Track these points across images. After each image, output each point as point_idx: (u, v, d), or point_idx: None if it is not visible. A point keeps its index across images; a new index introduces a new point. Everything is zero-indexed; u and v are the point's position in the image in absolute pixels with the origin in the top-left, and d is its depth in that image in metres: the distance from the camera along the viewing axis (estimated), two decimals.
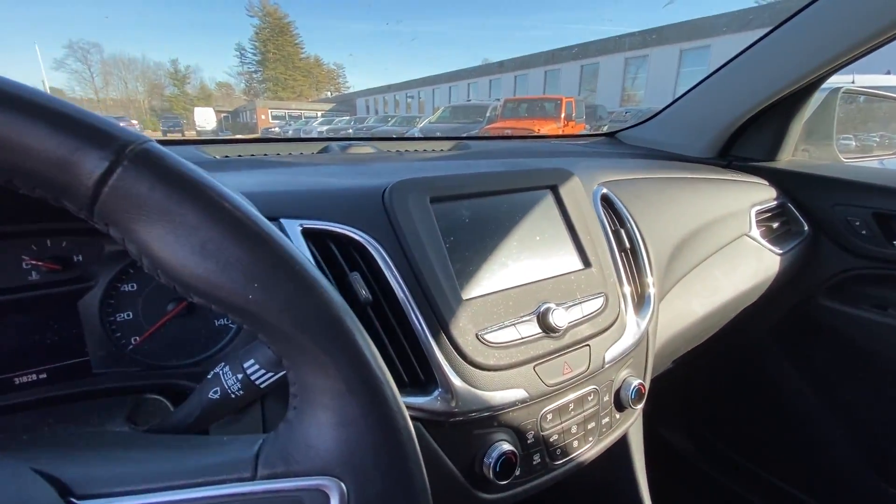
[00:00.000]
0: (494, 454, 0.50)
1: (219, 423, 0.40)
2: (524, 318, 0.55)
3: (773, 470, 1.26)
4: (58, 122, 0.19)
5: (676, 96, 1.34)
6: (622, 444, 0.73)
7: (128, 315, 0.50)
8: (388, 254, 0.51)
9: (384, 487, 0.24)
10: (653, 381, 1.03)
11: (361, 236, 0.51)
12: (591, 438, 0.60)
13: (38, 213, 0.46)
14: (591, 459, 0.61)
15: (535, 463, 0.55)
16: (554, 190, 0.67)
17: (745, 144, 1.25)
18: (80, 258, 0.48)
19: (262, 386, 0.36)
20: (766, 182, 1.15)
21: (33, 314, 0.46)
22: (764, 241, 1.04)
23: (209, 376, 0.37)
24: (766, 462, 1.28)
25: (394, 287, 0.50)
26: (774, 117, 1.19)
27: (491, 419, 0.51)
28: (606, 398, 0.62)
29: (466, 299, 0.53)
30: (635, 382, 0.63)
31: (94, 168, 0.20)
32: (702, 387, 1.38)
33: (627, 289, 0.68)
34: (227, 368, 0.36)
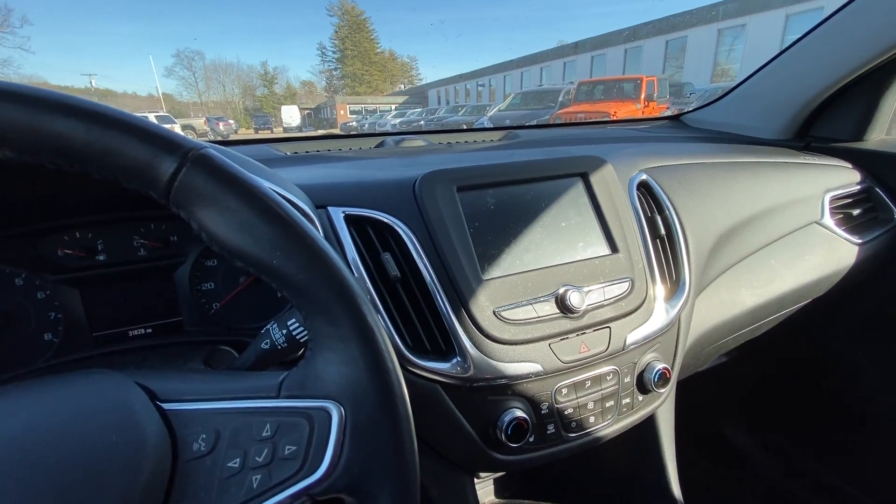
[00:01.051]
0: (507, 419, 0.55)
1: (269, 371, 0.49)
2: (542, 299, 0.59)
3: (843, 476, 1.16)
4: (144, 136, 0.28)
5: (749, 73, 1.25)
6: (650, 430, 0.73)
7: (210, 285, 0.62)
8: (416, 237, 0.58)
9: (372, 413, 0.30)
10: (709, 376, 1.00)
11: (393, 221, 0.58)
12: (609, 416, 0.63)
13: (144, 204, 0.59)
14: (610, 437, 0.63)
15: (549, 432, 0.59)
16: (584, 177, 0.69)
17: (828, 123, 1.14)
18: (175, 238, 0.61)
19: (300, 340, 0.44)
20: (849, 165, 1.05)
21: (142, 282, 0.60)
22: (839, 230, 0.96)
23: (262, 331, 0.46)
24: (835, 468, 1.18)
25: (419, 266, 0.57)
26: (863, 92, 1.07)
27: (505, 387, 0.56)
28: (628, 379, 0.64)
29: (486, 279, 0.58)
30: (659, 366, 0.64)
31: (168, 168, 0.28)
32: (768, 386, 1.29)
33: (658, 275, 0.68)
34: (275, 325, 0.45)
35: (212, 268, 0.62)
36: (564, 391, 0.59)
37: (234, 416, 0.30)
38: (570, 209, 0.67)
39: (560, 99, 11.42)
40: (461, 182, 0.62)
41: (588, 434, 0.61)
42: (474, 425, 0.56)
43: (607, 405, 0.62)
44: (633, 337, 0.63)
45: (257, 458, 0.29)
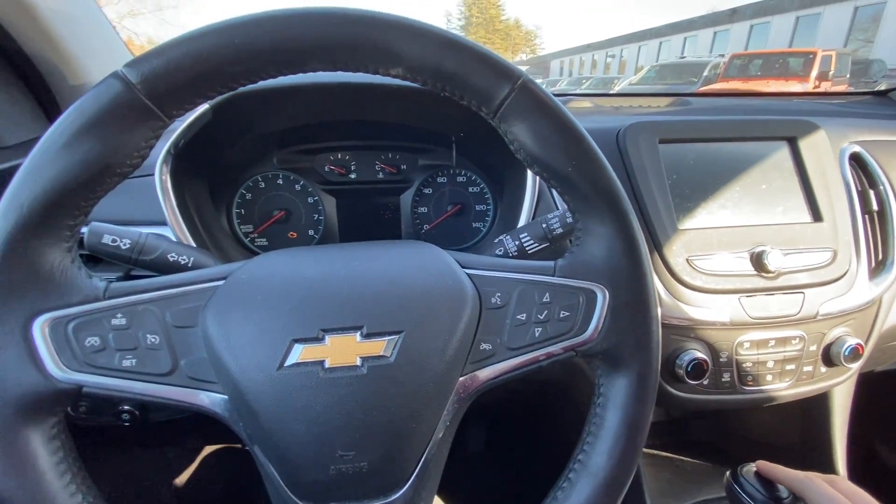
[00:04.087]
0: (686, 358, 0.59)
1: None
2: (737, 254, 0.61)
3: None
4: (492, 65, 0.36)
5: None
6: (822, 404, 0.72)
7: (424, 209, 0.75)
8: None
9: (630, 296, 0.37)
10: (888, 382, 0.91)
11: None
12: (787, 379, 0.63)
13: (385, 135, 0.72)
14: (784, 400, 0.64)
15: (724, 380, 0.62)
16: (791, 142, 0.67)
17: None
18: (405, 167, 0.73)
19: (529, 252, 0.53)
20: None
21: (377, 200, 0.74)
22: None
23: (495, 241, 0.56)
24: None
25: None
26: None
27: (688, 329, 0.60)
28: (813, 348, 0.63)
29: (681, 229, 0.61)
30: (852, 342, 0.62)
31: (501, 92, 0.37)
32: None
33: (865, 251, 0.65)
34: (507, 238, 0.54)
35: (428, 195, 0.74)
36: (746, 345, 0.61)
37: (519, 284, 0.39)
38: (773, 172, 0.66)
39: (705, 74, 10.15)
40: (664, 135, 0.65)
41: (762, 391, 0.63)
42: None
43: (787, 368, 0.63)
44: (827, 307, 0.62)
45: (539, 316, 0.38)
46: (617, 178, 0.38)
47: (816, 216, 0.64)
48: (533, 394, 0.92)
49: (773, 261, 0.60)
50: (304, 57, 0.32)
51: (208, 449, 1.02)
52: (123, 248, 0.45)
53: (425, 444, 0.36)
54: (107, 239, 0.45)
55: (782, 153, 0.67)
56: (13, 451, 0.31)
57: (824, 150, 0.67)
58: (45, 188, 0.30)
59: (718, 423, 0.90)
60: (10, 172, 0.60)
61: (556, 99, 0.38)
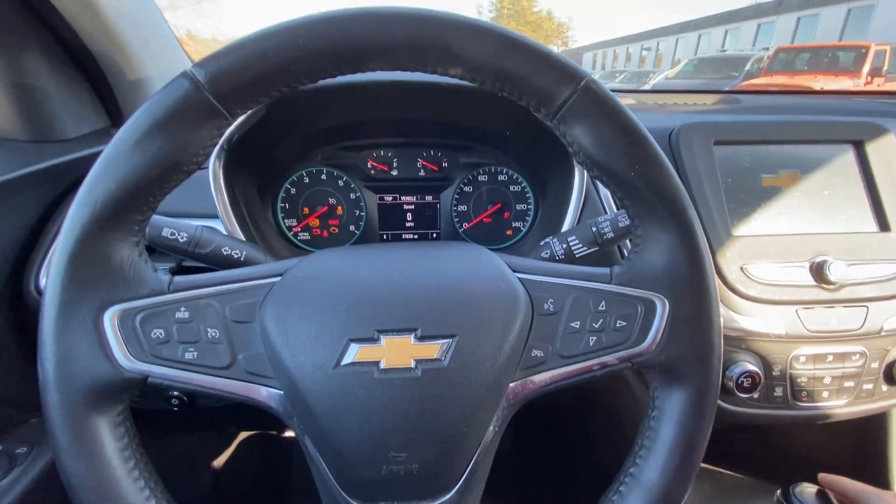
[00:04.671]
0: (737, 370, 0.57)
1: None
2: (795, 264, 0.58)
3: None
4: (554, 66, 0.35)
5: None
6: (880, 424, 0.68)
7: (464, 208, 0.74)
8: None
9: (692, 307, 0.36)
10: None
11: None
12: (845, 397, 0.60)
13: (427, 132, 0.72)
14: (840, 418, 0.61)
15: (776, 395, 0.59)
16: (858, 145, 0.64)
17: None
18: (446, 164, 0.73)
19: (577, 256, 0.52)
20: None
21: (417, 197, 0.74)
22: None
23: (542, 243, 0.55)
24: None
25: None
26: None
27: (740, 340, 0.58)
28: (875, 365, 0.60)
29: (736, 235, 0.59)
30: None
31: (563, 93, 0.35)
32: None
33: None
34: (555, 240, 0.53)
35: (468, 193, 0.74)
36: (802, 359, 0.58)
37: (573, 290, 0.38)
38: (837, 178, 0.62)
39: (746, 68, 9.72)
40: (719, 136, 0.62)
41: (817, 408, 0.60)
42: None
43: (845, 385, 0.60)
44: (892, 323, 0.58)
45: (594, 325, 0.37)
46: (682, 185, 0.37)
47: (883, 225, 0.61)
48: (566, 394, 0.91)
49: (836, 272, 0.56)
50: (365, 56, 0.32)
51: (243, 434, 1.06)
52: (181, 241, 0.47)
53: (475, 449, 0.35)
54: (166, 232, 0.46)
55: (847, 157, 0.63)
56: (82, 436, 0.32)
57: (893, 155, 0.63)
58: (118, 185, 0.31)
59: (761, 435, 0.87)
60: (74, 164, 0.62)
61: (620, 101, 0.37)
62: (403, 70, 0.33)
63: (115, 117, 0.70)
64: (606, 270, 0.39)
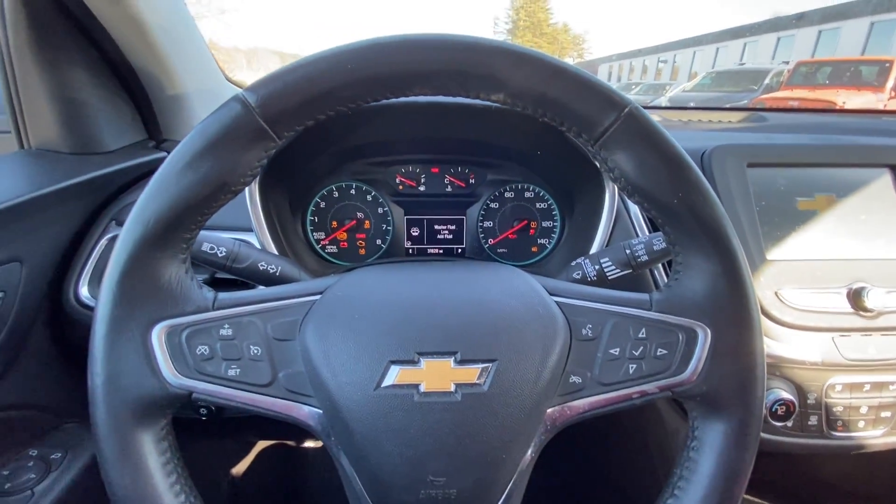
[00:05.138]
0: (771, 397, 0.56)
1: None
2: (832, 290, 0.57)
3: None
4: (597, 94, 0.35)
5: None
6: None
7: (490, 224, 0.74)
8: None
9: (735, 338, 0.35)
10: None
11: None
12: (882, 427, 0.58)
13: (454, 149, 0.72)
14: (877, 448, 0.59)
15: (810, 423, 0.58)
16: (895, 170, 0.62)
17: None
18: (473, 181, 0.73)
19: (609, 278, 0.51)
20: None
21: (444, 212, 0.74)
22: None
23: (573, 264, 0.54)
24: None
25: None
26: None
27: (774, 367, 0.56)
28: None
29: (770, 259, 0.58)
30: None
31: (606, 120, 0.35)
32: None
33: None
34: (586, 261, 0.53)
35: (494, 210, 0.74)
36: (838, 388, 0.57)
37: (612, 316, 0.38)
38: (874, 202, 0.61)
39: (766, 82, 9.61)
40: (752, 158, 0.62)
41: (852, 438, 0.58)
42: None
43: (883, 415, 0.58)
44: None
45: (634, 352, 0.37)
46: (725, 213, 0.36)
47: None
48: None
49: (874, 299, 0.55)
50: (410, 82, 0.32)
51: (262, 444, 1.06)
52: (220, 255, 0.48)
53: (511, 475, 0.35)
54: (206, 247, 0.47)
55: (884, 181, 0.62)
56: (127, 449, 0.33)
57: None
58: (170, 205, 0.32)
59: (787, 462, 0.85)
60: (114, 176, 0.63)
61: (664, 128, 0.37)
62: (447, 95, 0.34)
63: (153, 131, 0.72)
64: (646, 297, 0.38)
